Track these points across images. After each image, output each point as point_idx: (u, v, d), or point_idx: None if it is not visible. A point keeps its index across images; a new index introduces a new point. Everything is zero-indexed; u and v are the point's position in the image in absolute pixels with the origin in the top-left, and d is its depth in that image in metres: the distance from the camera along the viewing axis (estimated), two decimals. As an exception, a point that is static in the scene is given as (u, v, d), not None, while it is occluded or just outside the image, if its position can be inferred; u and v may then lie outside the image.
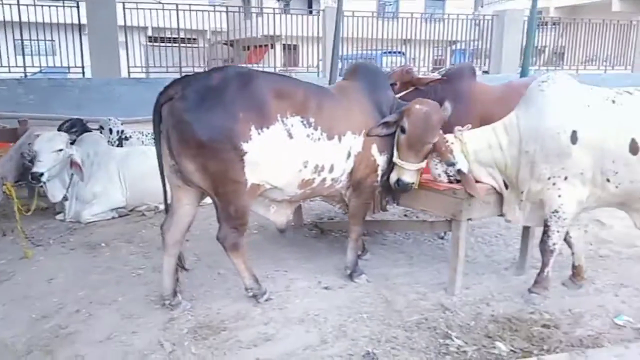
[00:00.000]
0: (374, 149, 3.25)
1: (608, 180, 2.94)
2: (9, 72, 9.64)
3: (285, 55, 14.91)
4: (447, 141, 3.17)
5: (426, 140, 3.13)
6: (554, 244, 3.12)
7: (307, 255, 3.95)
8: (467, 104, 3.76)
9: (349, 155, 3.16)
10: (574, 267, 3.41)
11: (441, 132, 3.20)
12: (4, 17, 9.63)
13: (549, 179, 2.99)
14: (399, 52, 13.43)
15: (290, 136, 2.86)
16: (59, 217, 4.77)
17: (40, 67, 10.58)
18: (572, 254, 3.39)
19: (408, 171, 3.17)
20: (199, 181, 2.78)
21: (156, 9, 10.05)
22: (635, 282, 3.44)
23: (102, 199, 4.78)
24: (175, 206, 2.98)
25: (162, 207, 3.75)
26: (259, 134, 2.74)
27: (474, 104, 3.77)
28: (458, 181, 3.16)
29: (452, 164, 3.12)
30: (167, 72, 10.36)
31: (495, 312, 3.03)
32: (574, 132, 2.90)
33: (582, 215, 3.37)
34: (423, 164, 3.20)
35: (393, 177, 3.25)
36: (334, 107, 3.10)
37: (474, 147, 3.17)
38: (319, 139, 2.98)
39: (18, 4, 9.39)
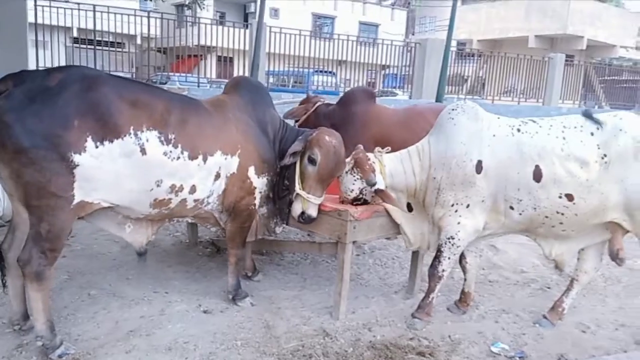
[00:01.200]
0: (251, 171, 3.05)
1: (512, 208, 2.97)
2: None
3: (220, 67, 14.57)
4: (369, 159, 3.10)
5: (338, 173, 3.08)
6: (443, 271, 3.10)
7: (195, 275, 3.73)
8: (360, 126, 3.75)
9: (217, 176, 2.92)
10: (462, 293, 3.41)
11: (361, 146, 3.14)
12: None
13: (452, 205, 3.00)
14: (330, 72, 13.56)
15: (143, 152, 2.55)
16: None
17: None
18: (465, 279, 3.40)
19: (313, 205, 3.07)
20: (11, 189, 2.45)
21: (71, 9, 9.48)
22: (516, 308, 3.50)
23: (-26, 208, 4.32)
24: (16, 220, 2.63)
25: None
26: (97, 146, 2.43)
27: (367, 127, 3.76)
28: (358, 203, 3.12)
29: (373, 184, 3.04)
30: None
31: (374, 338, 2.95)
32: (479, 162, 2.93)
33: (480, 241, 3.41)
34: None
35: (297, 209, 3.11)
36: (203, 123, 2.84)
37: (392, 171, 3.13)
38: (179, 157, 2.69)
39: None
